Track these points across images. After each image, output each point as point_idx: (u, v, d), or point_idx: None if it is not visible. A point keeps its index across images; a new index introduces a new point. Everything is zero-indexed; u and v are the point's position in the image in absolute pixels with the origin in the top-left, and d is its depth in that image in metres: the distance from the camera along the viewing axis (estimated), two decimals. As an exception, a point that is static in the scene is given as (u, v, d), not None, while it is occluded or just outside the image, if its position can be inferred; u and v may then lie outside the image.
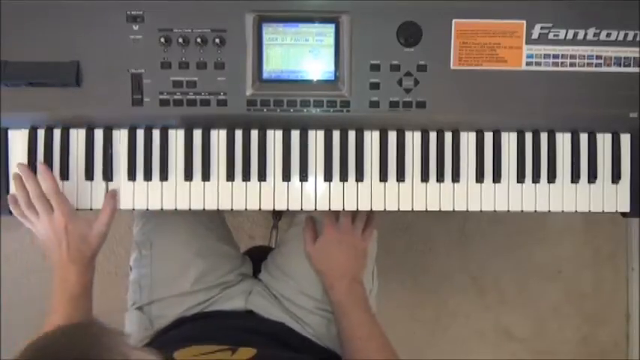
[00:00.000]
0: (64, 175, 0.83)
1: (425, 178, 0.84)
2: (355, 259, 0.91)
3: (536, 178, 0.85)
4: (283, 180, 0.84)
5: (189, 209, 0.84)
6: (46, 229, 0.80)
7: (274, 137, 0.84)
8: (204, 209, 0.84)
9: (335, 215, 0.91)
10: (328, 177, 0.84)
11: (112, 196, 0.82)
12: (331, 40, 0.81)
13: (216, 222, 1.02)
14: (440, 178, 0.84)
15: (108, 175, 0.83)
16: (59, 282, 0.80)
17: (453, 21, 0.81)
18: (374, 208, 0.85)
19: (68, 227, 0.79)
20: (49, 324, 0.79)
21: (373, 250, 0.98)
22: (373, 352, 0.84)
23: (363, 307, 0.89)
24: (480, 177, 0.85)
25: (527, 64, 0.82)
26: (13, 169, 0.83)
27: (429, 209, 0.85)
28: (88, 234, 0.81)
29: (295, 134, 0.84)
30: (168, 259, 0.96)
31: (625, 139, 0.86)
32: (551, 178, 0.85)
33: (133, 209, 0.84)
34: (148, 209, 0.84)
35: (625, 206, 0.86)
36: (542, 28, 0.81)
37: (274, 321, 0.93)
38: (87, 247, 0.81)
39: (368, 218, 0.93)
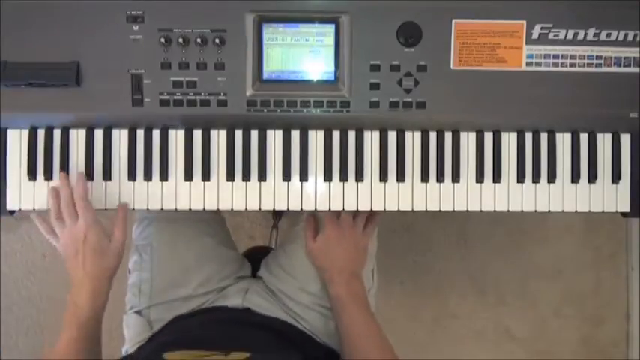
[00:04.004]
0: (64, 175, 0.83)
1: (425, 178, 0.84)
2: (356, 255, 0.91)
3: (536, 179, 0.85)
4: (283, 180, 0.84)
5: (190, 209, 0.84)
6: (67, 239, 0.80)
7: (274, 137, 0.84)
8: (204, 210, 0.84)
9: (336, 214, 0.91)
10: (328, 177, 0.84)
11: (124, 209, 0.82)
12: (331, 40, 0.81)
13: (215, 225, 1.02)
14: (440, 178, 0.84)
15: (108, 176, 0.83)
16: (71, 305, 0.80)
17: (453, 21, 0.81)
18: (374, 209, 0.85)
19: (87, 236, 0.79)
20: (60, 340, 0.79)
21: (373, 248, 0.98)
22: (372, 351, 0.84)
23: (362, 304, 0.88)
24: (480, 177, 0.85)
25: (527, 64, 0.82)
26: (14, 169, 0.83)
27: (429, 209, 0.85)
28: (107, 247, 0.81)
29: (295, 134, 0.84)
30: (169, 263, 0.96)
31: (625, 139, 0.86)
32: (551, 178, 0.85)
33: (133, 209, 0.84)
34: (148, 210, 0.84)
35: (625, 206, 0.86)
36: (542, 28, 0.81)
37: (271, 317, 0.93)
38: (104, 261, 0.80)
39: (370, 216, 0.93)
